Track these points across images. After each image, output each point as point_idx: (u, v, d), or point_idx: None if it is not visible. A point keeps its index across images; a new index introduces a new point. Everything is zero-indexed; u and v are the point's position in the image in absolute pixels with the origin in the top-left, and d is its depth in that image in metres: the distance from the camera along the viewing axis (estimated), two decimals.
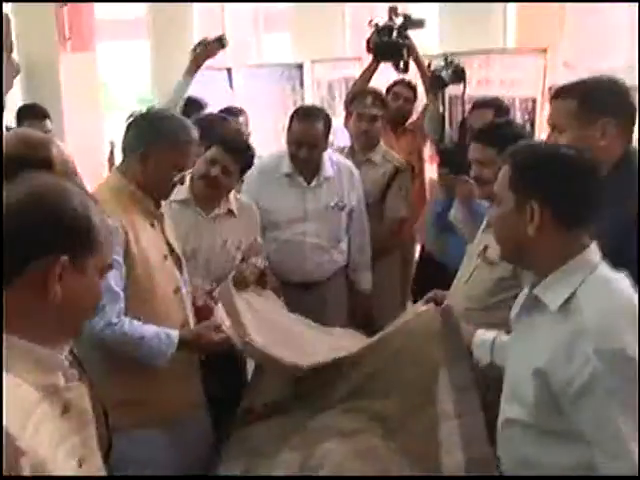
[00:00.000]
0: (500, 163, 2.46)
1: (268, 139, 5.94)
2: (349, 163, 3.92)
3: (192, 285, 3.03)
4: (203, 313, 2.87)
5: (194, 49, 4.34)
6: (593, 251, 1.89)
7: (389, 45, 4.68)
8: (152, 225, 2.65)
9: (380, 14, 6.76)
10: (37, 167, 1.51)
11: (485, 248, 2.73)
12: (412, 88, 4.93)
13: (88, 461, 1.48)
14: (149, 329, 2.53)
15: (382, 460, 2.35)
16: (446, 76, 4.26)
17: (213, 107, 5.98)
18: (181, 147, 2.62)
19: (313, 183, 3.73)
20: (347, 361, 2.69)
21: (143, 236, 2.57)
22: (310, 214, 3.73)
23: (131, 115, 2.75)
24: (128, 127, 2.67)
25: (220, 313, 2.85)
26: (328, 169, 3.75)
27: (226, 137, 3.37)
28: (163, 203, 3.04)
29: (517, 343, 2.04)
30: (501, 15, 4.93)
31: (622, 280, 1.87)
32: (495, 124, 3.11)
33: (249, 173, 3.73)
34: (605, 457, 1.74)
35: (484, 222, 2.86)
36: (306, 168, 3.72)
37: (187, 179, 3.28)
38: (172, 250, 2.73)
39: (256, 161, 3.52)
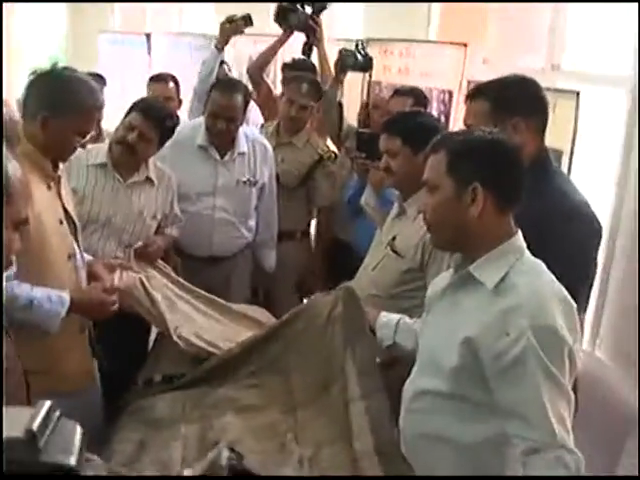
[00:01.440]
0: (407, 152, 2.52)
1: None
2: (264, 140, 3.93)
3: (105, 253, 2.99)
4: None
5: (223, 23, 4.43)
6: (520, 236, 2.01)
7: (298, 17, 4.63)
8: (48, 187, 2.53)
9: None
10: None
11: (394, 238, 2.78)
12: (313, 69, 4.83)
13: None
14: (38, 290, 2.39)
15: (280, 436, 2.36)
16: (353, 61, 4.22)
17: (130, 71, 5.86)
18: (87, 112, 2.53)
19: (226, 157, 3.72)
20: (251, 341, 2.70)
21: (38, 198, 2.42)
22: (220, 188, 3.71)
23: (33, 73, 2.59)
24: (30, 86, 2.53)
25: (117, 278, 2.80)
26: (243, 145, 3.75)
27: (146, 103, 3.31)
28: (75, 165, 2.96)
29: (439, 317, 2.11)
30: (425, 8, 4.97)
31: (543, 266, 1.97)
32: (401, 114, 3.13)
33: (167, 144, 3.72)
34: (525, 428, 1.81)
35: (393, 210, 2.91)
36: (221, 142, 3.69)
37: (106, 142, 3.23)
38: (68, 215, 2.62)
39: None
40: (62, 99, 2.47)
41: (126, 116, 3.20)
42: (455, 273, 2.07)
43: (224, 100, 3.60)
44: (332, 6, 4.81)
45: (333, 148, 4.35)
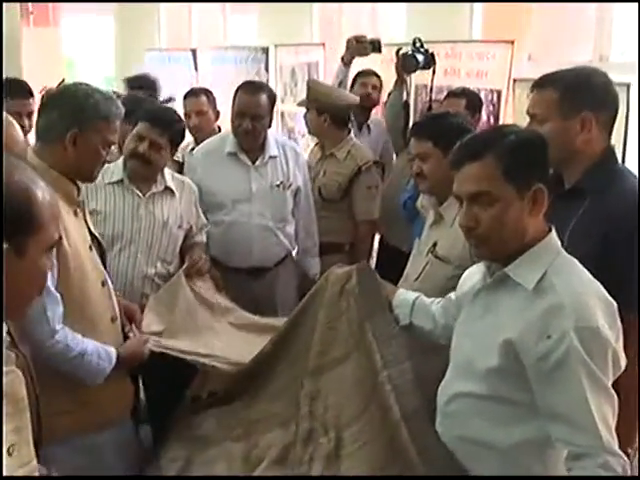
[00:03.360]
0: (439, 155, 2.44)
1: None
2: (294, 144, 3.92)
3: (136, 270, 2.97)
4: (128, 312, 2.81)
5: (350, 40, 4.44)
6: (554, 235, 1.94)
7: None
8: (75, 214, 2.47)
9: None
10: None
11: (435, 244, 2.70)
12: (378, 76, 4.89)
13: (19, 450, 1.41)
14: (90, 344, 2.38)
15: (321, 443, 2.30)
16: (415, 61, 4.18)
17: (176, 87, 5.91)
18: (112, 121, 2.48)
19: (258, 162, 3.67)
20: (277, 338, 2.68)
21: (70, 228, 2.37)
22: (255, 194, 3.66)
23: (46, 95, 2.57)
24: (49, 110, 2.47)
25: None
26: (273, 148, 3.71)
27: (150, 111, 3.27)
28: (92, 187, 2.97)
29: (473, 320, 2.03)
30: (468, 7, 4.89)
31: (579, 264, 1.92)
32: (429, 117, 3.06)
33: (195, 154, 3.77)
34: (569, 429, 1.76)
35: (429, 218, 2.83)
36: (248, 143, 3.65)
37: (120, 160, 3.22)
38: (94, 240, 2.57)
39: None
40: (87, 112, 2.43)
41: (133, 128, 3.17)
42: (488, 274, 2.00)
43: (248, 98, 3.57)
44: (375, 10, 4.80)
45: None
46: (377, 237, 4.55)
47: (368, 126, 4.85)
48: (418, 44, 4.20)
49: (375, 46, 4.44)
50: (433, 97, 4.40)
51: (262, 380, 2.64)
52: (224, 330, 3.01)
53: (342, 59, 4.51)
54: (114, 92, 4.90)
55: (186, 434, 2.60)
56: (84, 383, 2.40)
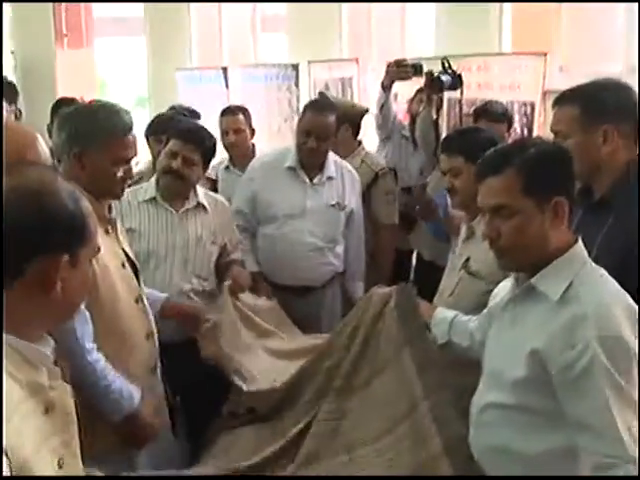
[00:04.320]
0: (471, 170, 2.45)
1: (263, 139, 5.88)
2: (351, 168, 3.89)
3: (172, 286, 2.99)
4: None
5: (390, 65, 4.39)
6: (581, 244, 1.95)
7: None
8: (106, 232, 2.46)
9: (377, 15, 6.78)
10: None
11: (467, 260, 2.69)
12: None
13: (68, 462, 1.44)
14: (117, 380, 2.34)
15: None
16: (445, 80, 4.18)
17: (208, 106, 5.96)
18: (115, 136, 2.42)
19: (315, 180, 3.68)
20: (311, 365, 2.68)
21: (101, 245, 2.38)
22: (309, 211, 3.66)
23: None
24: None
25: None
26: (331, 169, 3.72)
27: (182, 128, 3.27)
28: (126, 206, 3.00)
29: (502, 331, 2.05)
30: (497, 19, 4.88)
31: (606, 274, 1.93)
32: (459, 131, 3.05)
33: (251, 165, 3.81)
34: (594, 438, 1.76)
35: (462, 233, 2.82)
36: (310, 161, 3.67)
37: (152, 178, 3.24)
38: (128, 257, 2.57)
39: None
40: (88, 128, 2.41)
41: (165, 145, 3.20)
42: (516, 286, 2.01)
43: (315, 118, 3.59)
44: (404, 25, 4.81)
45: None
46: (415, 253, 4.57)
47: None
48: (446, 65, 4.20)
49: (417, 70, 4.37)
50: (466, 111, 4.42)
51: (298, 397, 2.63)
52: (258, 353, 3.02)
53: (382, 84, 4.49)
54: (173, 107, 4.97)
55: (221, 450, 2.60)
56: (102, 413, 2.34)
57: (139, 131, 2.70)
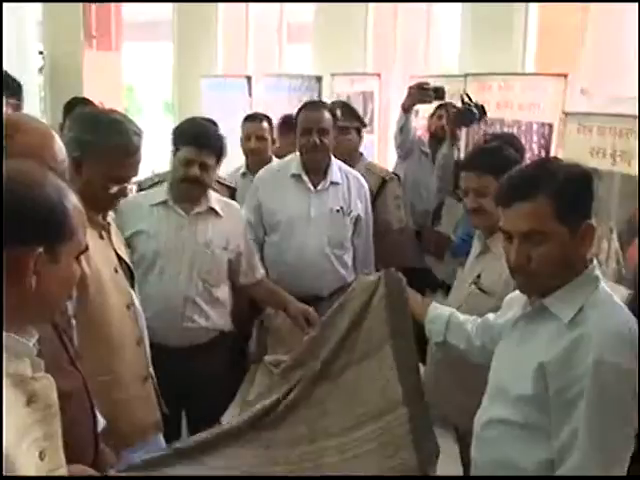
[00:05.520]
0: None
1: None
2: (358, 174, 3.89)
3: (177, 290, 3.01)
4: None
5: (412, 88, 4.45)
6: (596, 266, 1.96)
7: None
8: (101, 237, 2.43)
9: (404, 29, 6.80)
10: None
11: (479, 276, 2.68)
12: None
13: (50, 455, 1.44)
14: None
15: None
16: (470, 116, 4.15)
17: (231, 113, 5.98)
18: (116, 155, 2.37)
19: (319, 186, 3.68)
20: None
21: (92, 249, 2.22)
22: (314, 218, 3.65)
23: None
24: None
25: None
26: (336, 174, 3.71)
27: (193, 135, 3.17)
28: (137, 210, 3.01)
29: (510, 348, 2.05)
30: (521, 38, 4.89)
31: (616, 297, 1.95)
32: (482, 150, 3.00)
33: (259, 174, 3.81)
34: (563, 453, 1.82)
35: (474, 249, 2.80)
36: (316, 163, 3.66)
37: (163, 186, 3.22)
38: (122, 263, 2.53)
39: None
40: (91, 139, 2.37)
41: (174, 153, 3.15)
42: (528, 304, 2.01)
43: (312, 114, 3.61)
44: (428, 41, 4.82)
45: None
46: None
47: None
48: (466, 99, 4.20)
49: (438, 94, 4.37)
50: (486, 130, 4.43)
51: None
52: None
53: (402, 106, 4.51)
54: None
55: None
56: None
57: (165, 136, 2.60)
